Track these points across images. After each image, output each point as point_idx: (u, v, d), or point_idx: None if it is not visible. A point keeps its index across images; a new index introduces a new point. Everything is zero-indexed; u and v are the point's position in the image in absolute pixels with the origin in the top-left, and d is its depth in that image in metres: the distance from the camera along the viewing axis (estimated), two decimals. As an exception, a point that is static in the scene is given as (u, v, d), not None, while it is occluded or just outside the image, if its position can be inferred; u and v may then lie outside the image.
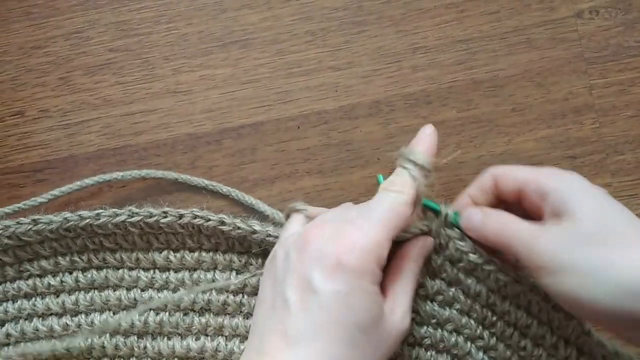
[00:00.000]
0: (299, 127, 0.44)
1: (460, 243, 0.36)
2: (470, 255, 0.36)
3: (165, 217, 0.40)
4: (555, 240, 0.31)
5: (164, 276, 0.41)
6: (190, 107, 0.45)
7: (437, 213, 0.37)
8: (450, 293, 0.38)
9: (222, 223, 0.40)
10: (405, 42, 0.45)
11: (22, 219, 0.40)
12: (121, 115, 0.45)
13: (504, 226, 0.33)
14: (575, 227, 0.31)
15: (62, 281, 0.42)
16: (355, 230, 0.32)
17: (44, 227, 0.40)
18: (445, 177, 0.43)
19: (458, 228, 0.37)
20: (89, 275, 0.42)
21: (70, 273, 0.42)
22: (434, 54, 0.44)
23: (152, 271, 0.41)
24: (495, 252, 0.36)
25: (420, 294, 0.38)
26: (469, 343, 0.38)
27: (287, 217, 0.39)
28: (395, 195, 0.34)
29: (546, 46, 0.44)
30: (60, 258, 0.41)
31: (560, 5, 0.44)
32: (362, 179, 0.44)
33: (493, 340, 0.38)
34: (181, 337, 0.41)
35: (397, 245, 0.37)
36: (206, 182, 0.43)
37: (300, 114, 0.44)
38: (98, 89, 0.45)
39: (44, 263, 0.41)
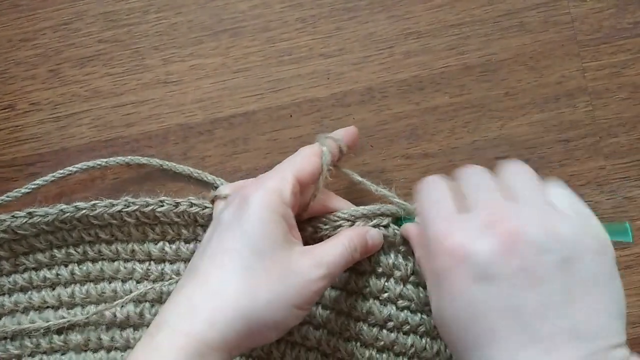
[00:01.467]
0: (291, 116, 0.45)
1: None
2: None
3: (162, 205, 0.41)
4: None
5: (159, 268, 0.43)
6: (181, 97, 0.46)
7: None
8: None
9: None
10: (397, 28, 0.45)
11: (17, 212, 0.41)
12: (112, 107, 0.46)
13: None
14: None
15: (57, 274, 0.43)
16: (265, 175, 0.37)
17: (39, 219, 0.41)
18: (439, 163, 0.44)
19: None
20: (85, 268, 0.43)
21: (66, 266, 0.43)
22: (426, 40, 0.45)
23: (147, 263, 0.43)
24: None
25: (413, 282, 0.39)
26: None
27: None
28: (304, 151, 0.38)
29: (539, 29, 0.45)
30: (55, 251, 0.42)
31: (552, -13, 0.45)
32: (356, 165, 0.45)
33: None
34: None
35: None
36: (190, 169, 0.44)
37: (292, 102, 0.45)
38: (88, 80, 0.46)
39: (39, 256, 0.42)
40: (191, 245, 0.43)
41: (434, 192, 0.34)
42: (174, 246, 0.43)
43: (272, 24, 0.46)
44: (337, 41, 0.45)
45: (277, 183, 0.36)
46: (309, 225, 0.39)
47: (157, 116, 0.46)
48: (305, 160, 0.37)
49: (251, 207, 0.34)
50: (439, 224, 0.31)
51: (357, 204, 0.40)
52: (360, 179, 0.41)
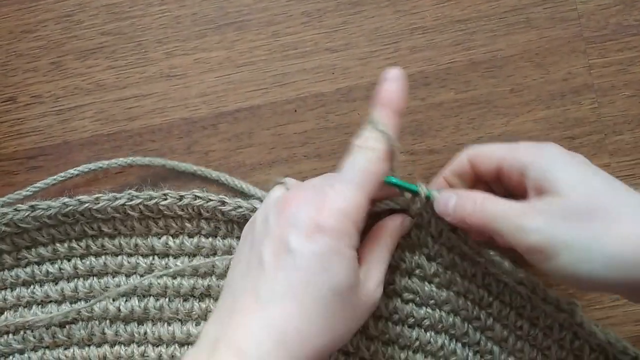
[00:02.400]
0: (296, 111, 0.45)
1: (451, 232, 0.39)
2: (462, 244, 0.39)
3: (166, 199, 0.42)
4: (542, 218, 0.32)
5: (163, 262, 0.43)
6: (185, 91, 0.46)
7: (414, 193, 0.38)
8: (447, 275, 0.40)
9: (223, 203, 0.41)
10: (403, 23, 0.46)
11: (19, 205, 0.42)
12: (115, 100, 0.46)
13: (484, 208, 0.34)
14: (560, 202, 0.32)
15: (60, 268, 0.43)
16: (333, 193, 0.33)
17: (42, 212, 0.41)
18: (444, 159, 0.44)
19: None
20: (88, 262, 0.43)
21: (69, 260, 0.43)
22: (432, 35, 0.45)
23: (151, 257, 0.43)
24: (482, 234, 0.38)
25: (419, 275, 0.40)
26: (466, 324, 0.40)
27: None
28: (368, 152, 0.35)
29: (545, 25, 0.45)
30: (58, 245, 0.43)
31: (559, -17, 0.45)
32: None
33: (490, 321, 0.40)
34: (181, 323, 0.42)
35: (376, 217, 0.39)
36: (194, 167, 0.44)
37: (297, 97, 0.46)
38: (91, 73, 0.46)
39: (42, 250, 0.43)
40: (195, 240, 0.43)
41: None
42: (177, 240, 0.43)
43: (277, 17, 0.46)
44: (342, 35, 0.46)
45: (353, 208, 0.33)
46: None
47: (160, 110, 0.46)
48: (373, 170, 0.35)
49: (332, 240, 0.32)
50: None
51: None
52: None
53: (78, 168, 0.44)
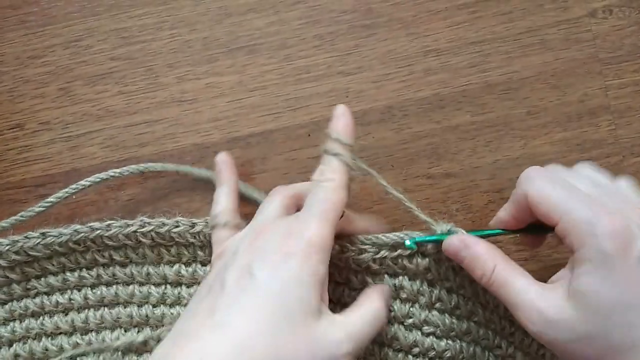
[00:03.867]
0: (309, 135, 0.46)
1: None
2: None
3: (178, 226, 0.41)
4: (576, 325, 0.31)
5: (175, 292, 0.43)
6: (197, 116, 0.46)
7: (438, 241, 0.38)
8: (469, 307, 0.39)
9: None
10: (417, 45, 0.46)
11: (30, 232, 0.41)
12: (125, 126, 0.46)
13: (498, 284, 0.34)
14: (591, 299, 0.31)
15: (70, 299, 0.43)
16: (298, 224, 0.35)
17: (53, 240, 0.41)
18: (460, 183, 0.45)
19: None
20: (98, 292, 0.43)
21: (79, 290, 0.43)
22: (446, 57, 0.46)
23: (163, 286, 0.43)
24: None
25: (439, 309, 0.40)
26: (487, 352, 0.40)
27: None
28: (326, 184, 0.36)
29: (560, 47, 0.45)
30: (68, 274, 0.43)
31: (573, 4, 0.46)
32: (376, 186, 0.45)
33: (511, 349, 0.40)
34: None
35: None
36: (209, 173, 0.44)
37: (310, 121, 0.46)
38: (100, 99, 0.46)
39: (51, 280, 0.43)
40: (208, 268, 0.43)
41: (556, 175, 0.35)
42: (190, 269, 0.43)
43: (289, 41, 0.46)
44: (355, 59, 0.46)
45: (318, 237, 0.34)
46: (335, 243, 0.40)
47: (171, 136, 0.46)
48: (334, 199, 0.36)
49: (291, 264, 0.33)
50: (587, 208, 0.32)
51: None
52: (387, 186, 0.40)
53: (89, 179, 0.43)
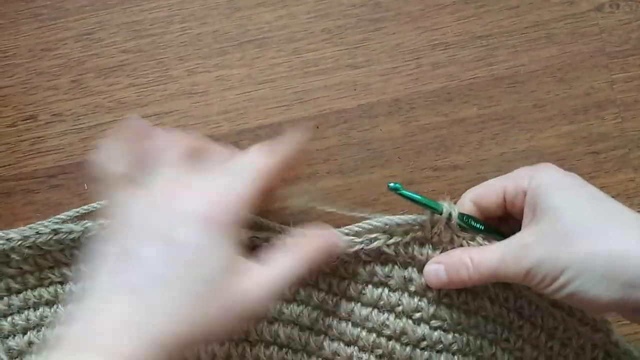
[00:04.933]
0: (317, 127, 0.46)
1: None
2: None
3: None
4: (539, 250, 0.35)
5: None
6: (207, 108, 0.47)
7: (437, 211, 0.39)
8: (476, 302, 0.40)
9: None
10: (424, 39, 0.46)
11: (41, 228, 0.42)
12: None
13: (479, 269, 0.37)
14: (552, 228, 0.35)
15: (84, 287, 0.43)
16: (215, 187, 0.34)
17: (64, 236, 0.42)
18: (467, 175, 0.45)
19: (468, 226, 0.39)
20: (111, 282, 0.43)
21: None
22: (454, 50, 0.46)
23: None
24: None
25: (447, 303, 0.40)
26: (494, 346, 0.40)
27: None
28: (260, 149, 0.37)
29: (567, 41, 0.46)
30: (82, 265, 0.43)
31: (580, -2, 0.46)
32: (383, 178, 0.46)
33: (520, 342, 0.40)
34: None
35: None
36: None
37: (318, 114, 0.46)
38: (111, 91, 0.47)
39: (65, 270, 0.43)
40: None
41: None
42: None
43: (297, 34, 0.47)
44: (363, 52, 0.47)
45: (234, 204, 0.34)
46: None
47: (182, 128, 0.47)
48: (262, 168, 0.36)
49: (209, 239, 0.33)
50: None
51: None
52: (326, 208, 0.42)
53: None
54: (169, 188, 0.34)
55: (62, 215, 0.43)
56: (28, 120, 0.47)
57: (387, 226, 0.40)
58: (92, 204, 0.43)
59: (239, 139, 0.46)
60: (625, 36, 0.46)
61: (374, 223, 0.40)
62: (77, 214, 0.43)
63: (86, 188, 0.46)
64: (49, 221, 0.43)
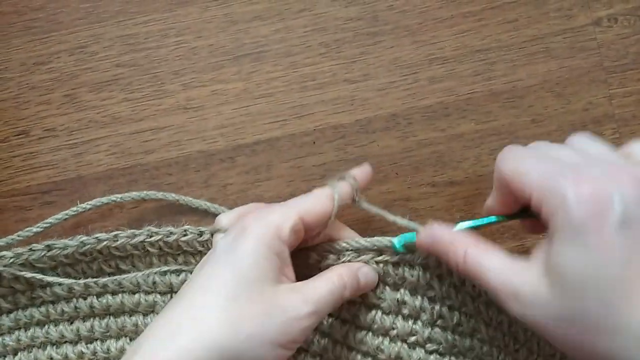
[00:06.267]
0: (314, 142, 0.46)
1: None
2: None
3: (186, 234, 0.41)
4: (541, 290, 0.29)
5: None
6: (202, 123, 0.46)
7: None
8: (471, 324, 0.40)
9: None
10: (422, 53, 0.46)
11: (35, 245, 0.41)
12: (130, 133, 0.46)
13: (469, 264, 0.33)
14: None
15: (76, 307, 0.43)
16: (272, 210, 0.37)
17: (58, 252, 0.41)
18: (465, 191, 0.45)
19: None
20: (104, 301, 0.42)
21: (85, 299, 0.43)
22: (451, 65, 0.46)
23: (169, 295, 0.42)
24: None
25: (441, 326, 0.40)
26: None
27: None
28: (318, 192, 0.38)
29: (565, 55, 0.45)
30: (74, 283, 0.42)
31: (578, 13, 0.46)
32: (381, 194, 0.45)
33: None
34: None
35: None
36: (208, 204, 0.44)
37: (315, 129, 0.46)
38: (105, 106, 0.46)
39: (57, 289, 0.42)
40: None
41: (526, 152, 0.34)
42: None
43: (294, 48, 0.46)
44: (361, 66, 0.46)
45: (278, 218, 0.36)
46: (315, 252, 0.40)
47: (177, 143, 0.46)
48: (315, 201, 0.37)
49: (247, 238, 0.35)
50: (559, 177, 0.29)
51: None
52: (378, 210, 0.40)
53: (90, 202, 0.44)
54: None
55: (51, 219, 0.43)
56: (20, 136, 0.46)
57: (357, 248, 0.39)
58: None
59: (235, 155, 0.46)
60: (623, 51, 0.46)
61: (344, 245, 0.39)
62: (67, 217, 0.43)
63: (79, 204, 0.45)
64: (37, 226, 0.43)
